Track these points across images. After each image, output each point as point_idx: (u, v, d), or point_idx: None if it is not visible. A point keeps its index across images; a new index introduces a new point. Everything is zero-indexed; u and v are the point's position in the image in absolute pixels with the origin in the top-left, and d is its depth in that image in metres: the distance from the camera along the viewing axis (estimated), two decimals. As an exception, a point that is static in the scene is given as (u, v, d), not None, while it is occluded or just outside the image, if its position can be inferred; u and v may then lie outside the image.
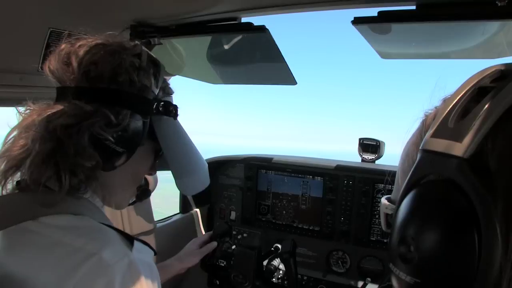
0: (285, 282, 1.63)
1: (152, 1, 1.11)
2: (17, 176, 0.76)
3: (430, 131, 0.42)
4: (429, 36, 1.14)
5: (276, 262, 1.60)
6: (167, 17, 1.21)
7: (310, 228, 1.91)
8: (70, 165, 0.71)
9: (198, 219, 2.15)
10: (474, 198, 0.35)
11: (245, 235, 2.10)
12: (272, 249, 1.65)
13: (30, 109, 0.76)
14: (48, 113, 0.72)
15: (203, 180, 0.96)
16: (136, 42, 0.84)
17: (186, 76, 1.68)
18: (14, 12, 1.00)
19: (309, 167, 1.91)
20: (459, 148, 0.37)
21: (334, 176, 1.84)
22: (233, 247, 1.60)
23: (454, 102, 0.41)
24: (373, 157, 1.99)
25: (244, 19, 1.17)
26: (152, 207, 1.76)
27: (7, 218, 0.68)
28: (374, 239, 1.76)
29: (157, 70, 0.85)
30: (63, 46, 0.78)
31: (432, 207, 0.39)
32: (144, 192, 1.10)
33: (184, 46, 1.45)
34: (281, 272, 1.66)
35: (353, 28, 1.03)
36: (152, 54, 0.86)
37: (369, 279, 1.75)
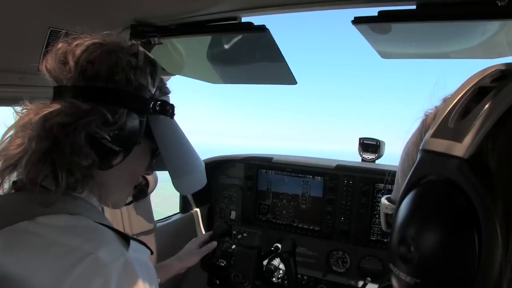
0: (285, 282, 1.63)
1: (152, 0, 1.11)
2: (14, 177, 0.76)
3: (430, 131, 0.42)
4: (429, 35, 1.14)
5: (276, 261, 1.60)
6: (167, 17, 1.21)
7: (310, 227, 1.91)
8: (67, 164, 0.71)
9: (198, 218, 2.15)
10: (474, 198, 0.35)
11: (245, 234, 2.10)
12: (272, 248, 1.65)
13: (27, 109, 0.76)
14: (45, 112, 0.72)
15: (200, 180, 0.95)
16: (133, 41, 0.84)
17: (186, 76, 1.68)
18: (14, 12, 1.00)
19: (309, 167, 1.91)
20: (459, 148, 0.37)
21: (334, 176, 1.84)
22: (233, 246, 1.60)
23: (454, 102, 0.41)
24: (373, 157, 1.99)
25: (244, 19, 1.16)
26: (152, 207, 1.76)
27: (3, 218, 0.68)
28: (374, 239, 1.76)
29: (154, 70, 0.85)
30: (60, 45, 0.79)
31: (432, 207, 0.39)
32: (141, 192, 1.10)
33: (184, 45, 1.45)
34: (281, 271, 1.67)
35: (353, 27, 1.03)
36: (149, 54, 0.86)
37: (369, 279, 1.75)
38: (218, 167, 2.15)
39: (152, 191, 1.57)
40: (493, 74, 0.41)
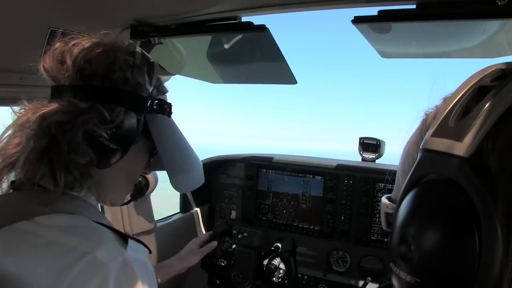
0: (286, 282, 1.63)
1: (152, 0, 1.11)
2: (13, 177, 0.76)
3: (431, 130, 0.42)
4: (429, 35, 1.14)
5: (277, 261, 1.60)
6: (167, 17, 1.21)
7: (311, 227, 1.91)
8: (64, 162, 0.71)
9: (199, 218, 2.15)
10: (475, 197, 0.35)
11: (245, 234, 2.10)
12: (273, 248, 1.65)
13: (25, 108, 0.76)
14: (43, 111, 0.72)
15: (197, 179, 0.95)
16: (131, 41, 0.85)
17: (187, 76, 1.68)
18: (14, 12, 1.00)
19: (309, 167, 1.91)
20: (459, 148, 0.37)
21: (334, 176, 1.84)
22: (233, 246, 1.60)
23: (454, 101, 0.41)
24: (374, 156, 1.99)
25: (244, 19, 1.17)
26: (152, 207, 1.76)
27: (2, 218, 0.68)
28: (374, 238, 1.76)
29: (151, 68, 0.85)
30: (57, 44, 0.79)
31: (432, 207, 0.39)
32: (139, 191, 1.10)
33: (184, 45, 1.45)
34: (281, 271, 1.67)
35: (353, 27, 1.03)
36: (146, 53, 0.86)
37: (369, 278, 1.75)
38: (218, 166, 2.15)
39: (152, 191, 1.57)
40: (493, 73, 0.41)
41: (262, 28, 1.12)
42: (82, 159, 0.72)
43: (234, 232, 2.11)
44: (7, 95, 1.16)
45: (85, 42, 0.78)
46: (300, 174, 1.93)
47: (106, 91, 0.77)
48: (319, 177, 1.88)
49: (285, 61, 1.29)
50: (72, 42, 0.78)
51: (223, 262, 1.59)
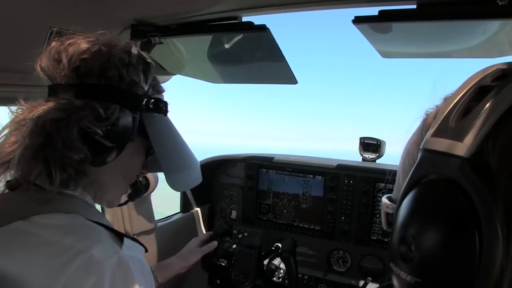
0: (286, 282, 1.63)
1: (153, 0, 1.11)
2: (9, 177, 0.77)
3: (431, 130, 0.42)
4: (430, 35, 1.14)
5: (277, 261, 1.60)
6: (168, 17, 1.21)
7: (311, 227, 1.91)
8: (59, 159, 0.71)
9: (199, 218, 2.15)
10: (475, 197, 0.35)
11: (245, 234, 2.10)
12: (273, 248, 1.65)
13: (22, 108, 0.77)
14: (39, 110, 0.73)
15: (194, 177, 0.95)
16: (127, 40, 0.85)
17: (187, 76, 1.68)
18: (14, 12, 1.00)
19: (309, 166, 1.91)
20: (460, 148, 0.37)
21: (334, 175, 1.84)
22: (234, 246, 1.60)
23: (455, 101, 0.41)
24: (374, 156, 1.99)
25: (244, 19, 1.17)
26: (153, 207, 1.77)
27: None
28: (374, 238, 1.76)
29: (147, 67, 0.85)
30: (53, 44, 0.79)
31: (433, 207, 0.39)
32: (136, 192, 1.10)
33: (184, 45, 1.45)
34: (281, 271, 1.67)
35: (353, 27, 1.03)
36: (142, 52, 0.86)
37: (369, 278, 1.75)
38: (218, 166, 2.15)
39: (153, 191, 1.57)
40: (494, 73, 0.41)
41: (263, 28, 1.12)
42: (76, 156, 0.71)
43: (235, 232, 2.11)
44: (8, 94, 1.16)
45: (80, 41, 0.78)
46: (300, 174, 1.93)
47: (101, 88, 0.77)
48: (320, 177, 1.88)
49: (286, 61, 1.29)
50: (68, 41, 0.78)
51: (224, 262, 1.59)
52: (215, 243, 1.59)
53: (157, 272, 1.36)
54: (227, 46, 1.33)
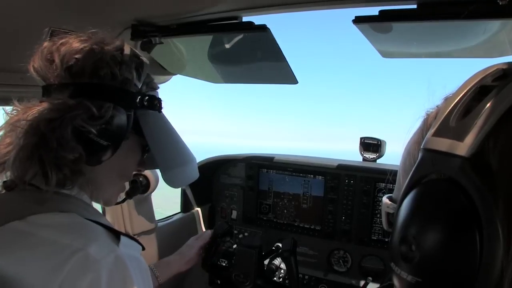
0: (286, 282, 1.63)
1: (153, 0, 1.11)
2: (5, 178, 0.77)
3: (432, 130, 0.42)
4: (430, 35, 1.14)
5: (277, 261, 1.60)
6: (168, 17, 1.21)
7: (311, 227, 1.91)
8: (54, 159, 0.71)
9: (199, 218, 2.15)
10: (476, 197, 0.35)
11: (246, 234, 2.10)
12: (273, 248, 1.65)
13: (16, 109, 0.77)
14: (33, 110, 0.73)
15: (191, 173, 0.94)
16: (118, 38, 0.85)
17: (188, 76, 1.68)
18: (14, 12, 1.00)
19: (310, 166, 1.91)
20: (460, 147, 0.37)
21: (335, 175, 1.84)
22: (234, 246, 1.60)
23: (455, 101, 0.41)
24: (374, 156, 1.99)
25: (245, 18, 1.17)
26: (153, 207, 1.77)
27: None
28: (375, 238, 1.76)
29: (140, 65, 0.85)
30: (45, 44, 0.80)
31: (433, 206, 0.39)
32: (133, 190, 1.10)
33: (185, 45, 1.45)
34: (282, 271, 1.67)
35: (354, 27, 1.03)
36: (135, 50, 0.86)
37: (370, 278, 1.75)
38: (219, 166, 2.15)
39: (153, 190, 1.58)
40: (495, 73, 0.41)
41: (263, 28, 1.12)
42: (71, 155, 0.71)
43: (235, 232, 2.11)
44: (8, 94, 1.17)
45: (72, 41, 0.78)
46: (301, 174, 1.93)
47: (94, 87, 0.77)
48: (320, 177, 1.88)
49: (286, 61, 1.29)
50: (60, 41, 0.78)
51: (224, 262, 1.58)
52: (208, 232, 1.60)
53: (156, 270, 1.35)
54: (227, 46, 1.33)
